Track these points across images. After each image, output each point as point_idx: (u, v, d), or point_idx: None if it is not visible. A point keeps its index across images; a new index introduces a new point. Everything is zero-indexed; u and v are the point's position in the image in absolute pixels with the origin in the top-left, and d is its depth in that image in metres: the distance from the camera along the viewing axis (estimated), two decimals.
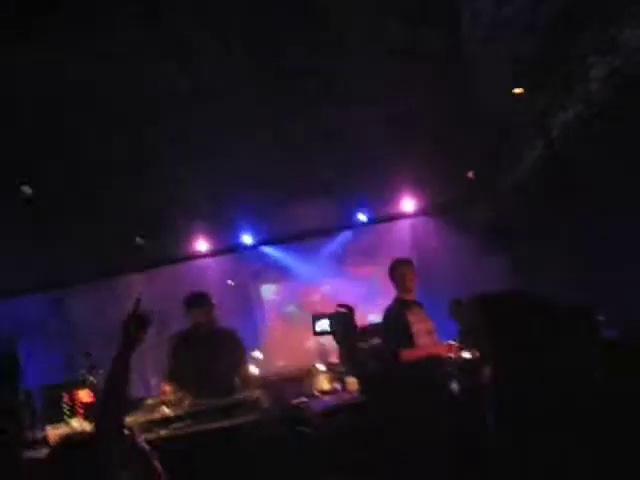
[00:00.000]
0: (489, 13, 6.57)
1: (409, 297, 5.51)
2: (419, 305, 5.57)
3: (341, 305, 2.91)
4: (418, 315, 5.45)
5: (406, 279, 5.50)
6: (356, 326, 2.91)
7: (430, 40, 6.91)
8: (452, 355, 5.56)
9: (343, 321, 2.91)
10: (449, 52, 7.26)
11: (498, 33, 6.81)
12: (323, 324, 3.21)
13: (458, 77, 7.60)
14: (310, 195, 10.35)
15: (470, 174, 9.75)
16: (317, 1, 6.43)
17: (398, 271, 5.54)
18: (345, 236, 12.97)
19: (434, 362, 5.25)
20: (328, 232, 12.15)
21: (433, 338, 5.46)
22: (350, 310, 2.90)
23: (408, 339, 5.27)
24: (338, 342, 2.90)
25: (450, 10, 6.82)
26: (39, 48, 6.26)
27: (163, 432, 4.20)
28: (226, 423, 4.16)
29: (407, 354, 5.22)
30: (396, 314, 5.43)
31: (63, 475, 2.52)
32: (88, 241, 10.09)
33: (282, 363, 12.00)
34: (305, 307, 13.98)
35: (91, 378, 5.15)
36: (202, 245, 11.88)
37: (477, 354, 5.00)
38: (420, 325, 5.40)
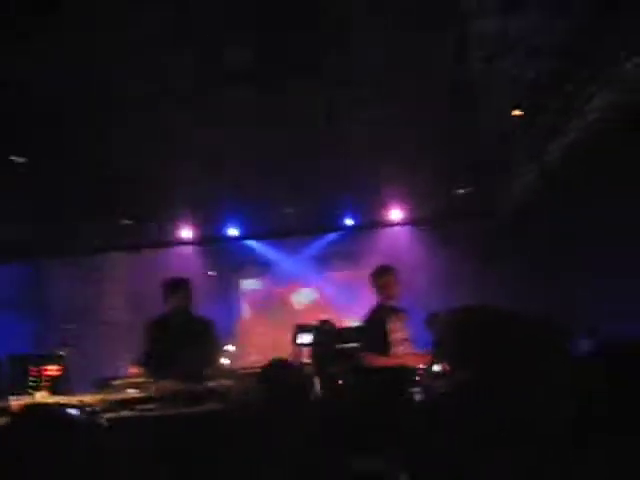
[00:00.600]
0: (493, 33, 6.60)
1: (390, 304, 5.54)
2: (400, 311, 5.60)
3: (324, 321, 2.92)
4: (397, 323, 5.48)
5: (389, 286, 5.52)
6: (336, 343, 2.92)
7: (432, 55, 6.94)
8: (423, 366, 5.60)
9: (325, 339, 2.92)
10: (451, 69, 7.31)
11: (501, 54, 6.85)
12: (306, 337, 3.23)
13: (459, 94, 7.64)
14: (298, 196, 10.37)
15: (461, 190, 9.81)
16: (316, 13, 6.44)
17: (382, 278, 5.56)
18: (329, 239, 13.01)
19: (403, 371, 5.30)
20: (313, 232, 12.16)
21: (408, 347, 5.49)
22: (333, 327, 2.92)
23: (384, 346, 5.31)
24: (315, 353, 2.91)
25: (453, 27, 6.86)
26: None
27: (125, 413, 4.19)
28: (192, 410, 4.15)
29: (378, 360, 5.26)
30: (376, 320, 5.46)
31: (19, 446, 2.54)
32: (74, 217, 10.07)
33: (255, 357, 12.00)
34: (284, 305, 14.02)
35: (61, 352, 5.12)
36: (186, 233, 11.87)
37: (446, 367, 5.04)
38: (398, 334, 5.43)
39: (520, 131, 8.47)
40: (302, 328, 2.91)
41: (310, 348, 6.51)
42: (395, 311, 5.58)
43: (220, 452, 2.90)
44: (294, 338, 3.57)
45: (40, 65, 6.70)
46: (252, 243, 13.06)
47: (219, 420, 3.91)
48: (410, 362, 5.44)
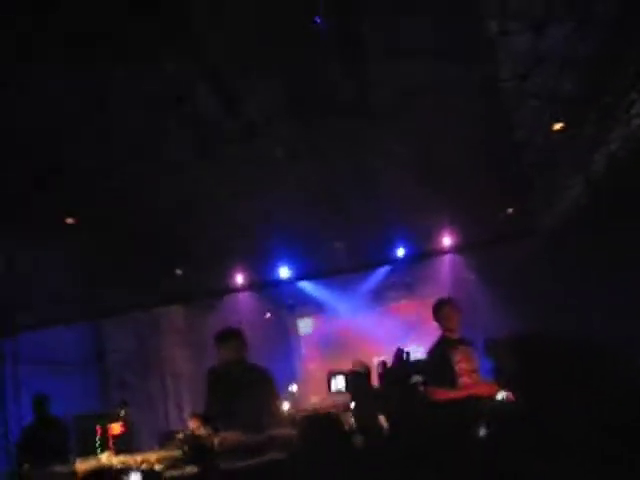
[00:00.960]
0: (525, 49, 6.54)
1: (453, 336, 5.47)
2: (465, 342, 5.53)
3: (357, 363, 2.87)
4: (462, 354, 5.40)
5: (449, 318, 5.47)
6: (371, 386, 2.87)
7: (465, 76, 6.90)
8: (492, 396, 5.45)
9: (359, 381, 2.87)
10: (485, 88, 7.26)
11: (535, 69, 6.77)
12: (339, 383, 3.19)
13: (495, 113, 7.57)
14: (348, 231, 10.36)
15: (506, 212, 9.68)
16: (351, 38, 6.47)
17: (442, 311, 5.52)
18: (383, 271, 12.94)
19: (470, 403, 5.16)
20: (366, 267, 12.09)
21: (476, 377, 5.39)
22: (367, 369, 2.86)
23: (451, 378, 5.22)
24: (353, 400, 2.87)
25: (485, 45, 6.82)
26: None
27: (190, 469, 4.19)
28: (256, 461, 4.12)
29: (443, 393, 5.15)
30: (440, 352, 5.39)
31: None
32: (128, 273, 10.24)
33: (316, 399, 11.95)
34: (342, 342, 13.96)
35: (122, 412, 5.18)
36: (239, 278, 11.92)
37: (510, 396, 4.91)
38: (463, 365, 5.35)
39: (563, 144, 8.33)
40: (335, 374, 2.88)
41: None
42: (460, 342, 5.49)
43: None
44: (329, 386, 3.55)
45: None
46: (305, 284, 13.06)
47: (283, 469, 3.87)
48: (478, 392, 5.30)
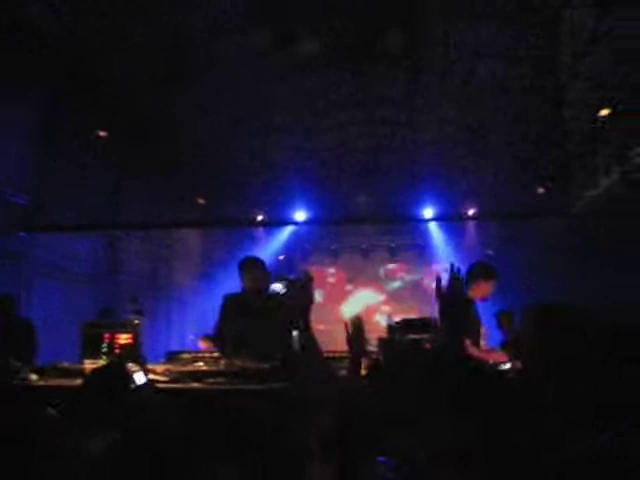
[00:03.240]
0: (588, 26, 6.41)
1: (478, 299, 5.44)
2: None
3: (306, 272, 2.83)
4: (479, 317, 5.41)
5: (488, 287, 5.39)
6: (312, 295, 2.84)
7: (526, 46, 6.79)
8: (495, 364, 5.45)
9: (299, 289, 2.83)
10: (543, 62, 7.13)
11: (594, 49, 6.64)
12: (278, 287, 3.19)
13: (547, 87, 7.45)
14: (376, 182, 10.30)
15: (543, 187, 9.58)
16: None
17: (483, 275, 5.41)
18: (401, 230, 12.94)
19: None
20: (385, 221, 12.02)
21: (485, 344, 5.40)
22: (310, 280, 2.82)
23: (476, 338, 5.19)
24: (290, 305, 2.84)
25: (549, 19, 6.69)
26: None
27: (195, 385, 4.25)
28: (259, 386, 4.18)
29: (474, 351, 5.10)
30: (469, 308, 5.33)
31: (93, 399, 2.72)
32: (152, 193, 10.30)
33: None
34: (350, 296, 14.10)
35: (136, 321, 5.22)
36: (258, 215, 11.91)
37: (517, 365, 4.93)
38: (483, 328, 5.36)
39: (606, 131, 8.21)
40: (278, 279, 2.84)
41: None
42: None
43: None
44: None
45: None
46: (322, 230, 13.09)
47: (279, 398, 3.91)
48: (492, 359, 5.28)
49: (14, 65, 7.13)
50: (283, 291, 3.26)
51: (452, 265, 2.91)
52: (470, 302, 5.37)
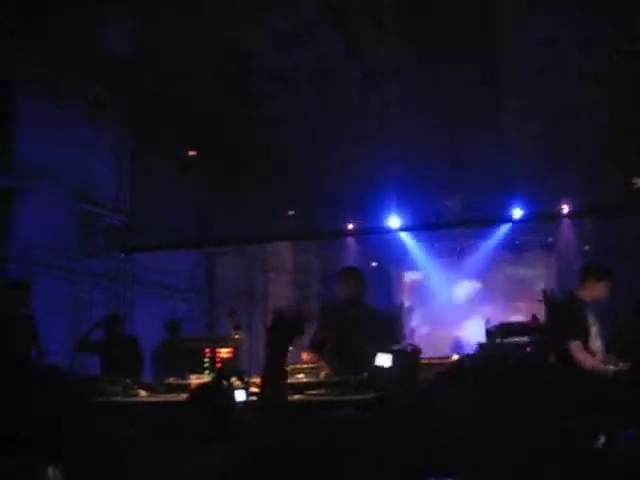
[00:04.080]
0: None
1: (587, 299, 5.26)
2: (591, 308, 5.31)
3: (411, 344, 2.79)
4: (592, 317, 5.21)
5: (600, 288, 5.22)
6: (419, 366, 2.78)
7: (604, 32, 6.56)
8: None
9: (405, 361, 2.79)
10: (622, 47, 6.87)
11: None
12: (384, 359, 3.12)
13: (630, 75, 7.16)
14: (465, 185, 10.18)
15: (633, 183, 9.21)
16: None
17: (595, 276, 5.24)
18: (494, 232, 12.69)
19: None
20: (477, 225, 11.84)
21: (601, 343, 5.18)
22: (417, 351, 2.78)
23: (585, 336, 5.01)
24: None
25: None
26: None
27: (296, 397, 4.28)
28: (357, 397, 4.18)
29: (585, 358, 4.91)
30: (577, 309, 5.17)
31: (198, 415, 2.79)
32: (244, 208, 10.51)
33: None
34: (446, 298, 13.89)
35: (236, 336, 5.33)
36: (349, 224, 11.94)
37: (623, 366, 4.74)
38: (594, 327, 5.17)
39: None
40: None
41: None
42: (588, 306, 5.27)
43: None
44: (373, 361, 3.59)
45: None
46: (412, 237, 13.01)
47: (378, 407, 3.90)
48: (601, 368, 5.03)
49: None
50: (389, 364, 3.23)
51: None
52: (581, 303, 5.20)
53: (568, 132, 8.58)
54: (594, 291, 5.22)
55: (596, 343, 5.11)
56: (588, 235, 11.51)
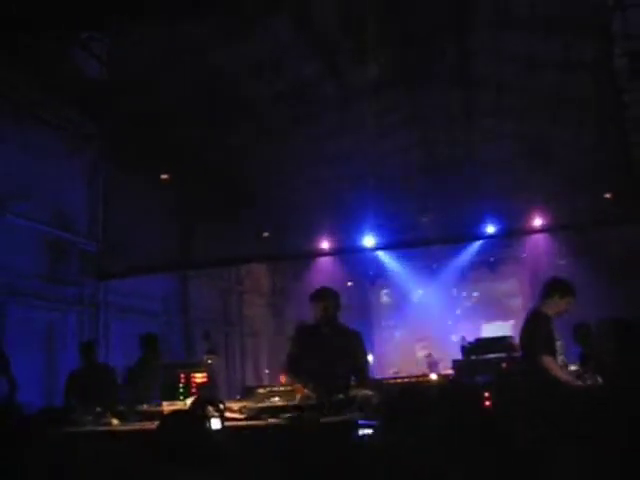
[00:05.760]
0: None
1: (550, 314, 5.30)
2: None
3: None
4: (555, 333, 5.26)
5: (563, 304, 5.27)
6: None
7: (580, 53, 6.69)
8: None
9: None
10: (596, 67, 7.00)
11: None
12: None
13: (605, 92, 7.29)
14: (438, 203, 10.24)
15: (606, 196, 9.34)
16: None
17: (560, 293, 5.28)
18: (470, 249, 12.77)
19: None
20: (452, 241, 11.88)
21: (563, 359, 5.23)
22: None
23: (552, 350, 5.06)
24: None
25: (600, 24, 6.57)
26: None
27: (272, 420, 4.26)
28: (334, 419, 4.16)
29: (556, 370, 4.96)
30: (545, 325, 5.20)
31: (169, 441, 2.76)
32: (218, 232, 10.50)
33: (394, 370, 11.95)
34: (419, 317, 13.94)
35: (209, 361, 5.30)
36: (324, 244, 11.96)
37: (597, 381, 4.77)
38: (558, 342, 5.21)
39: None
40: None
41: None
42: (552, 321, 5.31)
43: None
44: None
45: None
46: (387, 256, 13.05)
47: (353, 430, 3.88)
48: (566, 380, 5.09)
49: None
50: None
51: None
52: (546, 318, 5.24)
53: (538, 150, 8.69)
54: (557, 307, 5.26)
55: (559, 357, 5.16)
56: (562, 249, 11.62)
